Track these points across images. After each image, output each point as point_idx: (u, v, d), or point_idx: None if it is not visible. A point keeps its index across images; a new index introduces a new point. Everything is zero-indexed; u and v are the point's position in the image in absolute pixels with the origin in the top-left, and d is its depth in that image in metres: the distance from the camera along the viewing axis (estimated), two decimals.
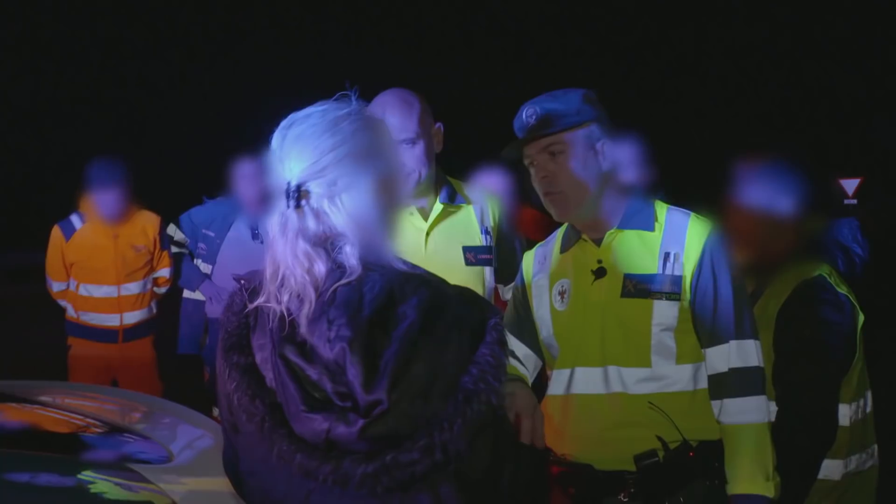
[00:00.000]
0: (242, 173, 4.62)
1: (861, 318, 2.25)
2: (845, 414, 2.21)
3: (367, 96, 2.47)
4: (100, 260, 4.69)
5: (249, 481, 1.45)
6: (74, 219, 4.74)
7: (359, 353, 1.29)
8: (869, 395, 2.32)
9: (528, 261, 2.29)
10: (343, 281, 1.35)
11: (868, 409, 2.31)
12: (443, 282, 1.41)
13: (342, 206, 1.39)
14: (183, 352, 4.89)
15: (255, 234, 4.65)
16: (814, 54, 15.71)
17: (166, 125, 15.74)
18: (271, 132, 1.47)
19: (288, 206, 1.39)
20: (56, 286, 4.86)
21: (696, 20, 16.15)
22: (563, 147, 2.01)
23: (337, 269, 1.37)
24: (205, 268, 4.70)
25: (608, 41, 16.09)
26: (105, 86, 15.94)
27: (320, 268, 1.37)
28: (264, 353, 1.39)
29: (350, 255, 1.37)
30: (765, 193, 2.31)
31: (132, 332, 4.77)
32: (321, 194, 1.39)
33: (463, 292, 1.41)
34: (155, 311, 4.91)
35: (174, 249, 4.76)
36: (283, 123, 1.45)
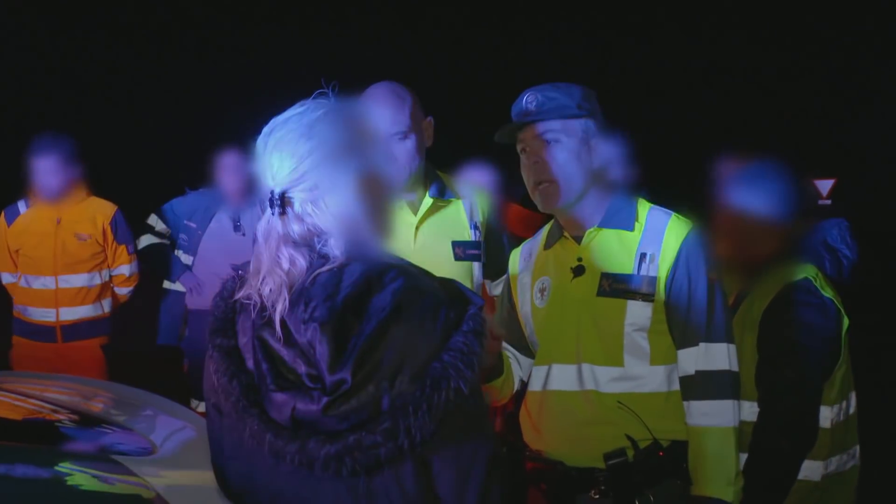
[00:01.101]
0: (225, 164, 4.59)
1: (846, 322, 2.25)
2: (826, 416, 2.22)
3: (354, 90, 2.47)
4: (39, 247, 4.29)
5: (231, 466, 1.48)
6: (21, 204, 4.39)
7: (329, 335, 1.32)
8: (853, 396, 2.33)
9: (514, 258, 2.31)
10: (325, 268, 1.38)
11: (851, 411, 2.32)
12: (426, 273, 1.43)
13: (326, 208, 1.41)
14: (162, 343, 4.85)
15: (237, 226, 4.64)
16: (785, 54, 15.87)
17: (149, 115, 15.62)
18: (255, 124, 1.49)
19: (273, 213, 1.42)
20: (6, 277, 4.44)
21: (673, 22, 16.30)
22: (559, 136, 2.02)
23: (321, 259, 1.40)
24: (186, 259, 4.67)
25: (595, 40, 16.17)
26: (86, 75, 15.79)
27: (301, 265, 1.40)
28: (246, 338, 1.43)
29: (334, 247, 1.40)
30: (749, 195, 2.32)
31: (73, 331, 4.34)
32: (304, 199, 1.41)
33: (446, 284, 1.43)
34: (106, 310, 4.47)
35: (155, 240, 4.69)
36: (265, 129, 1.46)
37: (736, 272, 2.34)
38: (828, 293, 2.24)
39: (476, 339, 1.36)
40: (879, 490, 2.78)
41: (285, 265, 1.40)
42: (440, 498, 1.36)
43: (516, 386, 2.25)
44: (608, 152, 2.07)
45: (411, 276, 1.39)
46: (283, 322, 1.38)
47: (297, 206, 1.41)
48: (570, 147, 2.02)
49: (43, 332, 4.33)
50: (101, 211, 4.43)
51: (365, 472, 1.32)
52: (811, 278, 2.23)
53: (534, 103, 2.03)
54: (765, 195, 2.31)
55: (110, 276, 4.50)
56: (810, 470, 2.21)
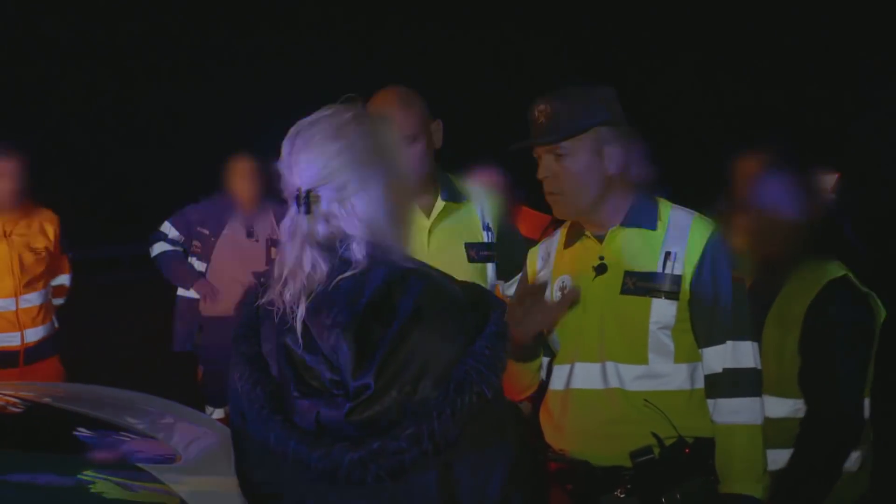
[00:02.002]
0: (238, 171, 4.60)
1: (884, 314, 2.29)
2: (866, 407, 2.27)
3: (363, 95, 2.47)
4: None
5: (255, 474, 1.48)
6: None
7: (351, 339, 1.32)
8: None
9: (532, 257, 2.31)
10: (347, 273, 1.39)
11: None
12: (447, 277, 1.43)
13: (352, 209, 1.42)
14: (177, 350, 4.87)
15: (250, 233, 4.65)
16: (784, 49, 15.82)
17: (162, 122, 15.68)
18: (268, 131, 1.50)
19: (299, 212, 1.42)
20: None
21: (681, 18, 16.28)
22: (568, 151, 2.02)
23: (342, 263, 1.40)
24: (199, 266, 4.68)
25: (602, 39, 16.15)
26: (99, 81, 15.85)
27: (322, 269, 1.40)
28: (270, 344, 1.44)
29: (356, 252, 1.41)
30: (773, 192, 2.34)
31: (35, 353, 3.98)
32: (331, 198, 1.42)
33: (468, 287, 1.44)
34: (57, 324, 4.18)
35: (168, 247, 4.71)
36: (292, 131, 1.47)
37: (761, 270, 2.37)
38: (864, 288, 2.27)
39: (500, 342, 1.36)
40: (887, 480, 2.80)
41: (307, 267, 1.40)
42: (462, 502, 1.36)
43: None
44: (625, 156, 2.06)
45: (433, 281, 1.40)
46: (305, 327, 1.38)
47: (323, 206, 1.42)
48: (581, 160, 2.01)
49: (3, 359, 3.93)
50: (49, 220, 4.10)
51: (389, 478, 1.31)
52: (849, 274, 2.26)
53: (543, 115, 2.03)
54: (788, 192, 2.33)
55: (52, 288, 4.21)
56: (850, 461, 2.25)
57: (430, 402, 1.31)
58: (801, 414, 2.25)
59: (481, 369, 1.33)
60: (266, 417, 1.38)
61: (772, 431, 2.22)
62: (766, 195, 2.34)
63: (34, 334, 4.00)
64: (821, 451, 2.17)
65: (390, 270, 1.39)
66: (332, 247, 1.42)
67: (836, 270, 2.26)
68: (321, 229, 1.42)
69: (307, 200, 1.42)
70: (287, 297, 1.41)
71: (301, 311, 1.39)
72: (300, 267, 1.41)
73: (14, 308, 3.93)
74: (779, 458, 2.24)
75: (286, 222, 1.46)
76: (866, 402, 2.27)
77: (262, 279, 1.51)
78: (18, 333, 3.95)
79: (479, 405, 1.32)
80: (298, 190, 1.43)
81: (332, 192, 1.42)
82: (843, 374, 2.19)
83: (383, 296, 1.36)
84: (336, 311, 1.36)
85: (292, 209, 1.44)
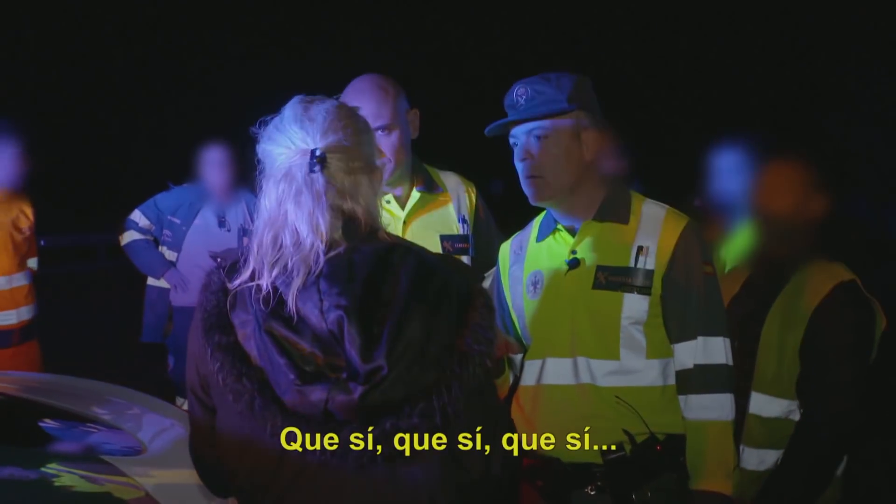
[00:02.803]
0: (210, 159, 4.56)
1: (883, 322, 2.27)
2: None
3: (335, 85, 2.43)
4: None
5: (232, 463, 1.44)
6: None
7: (356, 322, 1.31)
8: None
9: (504, 251, 2.29)
10: (332, 253, 1.37)
11: None
12: (425, 250, 1.45)
13: (355, 184, 1.42)
14: (146, 340, 4.81)
15: (222, 222, 4.61)
16: (757, 46, 15.96)
17: (133, 110, 15.54)
18: (240, 119, 1.47)
19: (312, 171, 1.38)
20: None
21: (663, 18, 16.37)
22: (549, 132, 2.00)
23: (337, 238, 1.39)
24: (170, 255, 4.63)
25: (580, 31, 16.18)
26: (69, 70, 15.67)
27: (320, 242, 1.37)
28: (246, 330, 1.39)
29: (361, 226, 1.41)
30: (780, 191, 2.32)
31: (26, 332, 4.09)
32: (339, 168, 1.41)
33: (446, 259, 1.46)
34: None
35: (138, 236, 4.65)
36: (299, 98, 1.46)
37: (763, 267, 2.37)
38: (868, 294, 2.25)
39: (490, 313, 1.39)
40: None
41: (321, 228, 1.37)
42: (467, 470, 1.40)
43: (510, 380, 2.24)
44: (601, 144, 2.05)
45: (417, 254, 1.41)
46: (295, 310, 1.35)
47: (330, 172, 1.40)
48: (559, 143, 2.00)
49: (1, 337, 4.01)
50: (25, 202, 4.15)
51: (400, 457, 1.32)
52: (856, 279, 2.24)
53: (523, 97, 2.01)
54: (794, 191, 2.31)
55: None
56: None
57: (440, 377, 1.32)
58: (793, 416, 2.24)
59: (480, 340, 1.36)
60: (260, 408, 1.34)
61: (762, 431, 2.24)
62: (772, 193, 2.32)
63: (27, 313, 4.08)
64: (814, 456, 2.17)
65: (374, 246, 1.39)
66: (339, 213, 1.40)
67: (845, 273, 2.24)
68: (326, 193, 1.39)
69: (323, 159, 1.39)
70: (273, 271, 1.36)
71: (295, 285, 1.34)
72: (310, 226, 1.36)
73: (9, 287, 4.01)
74: (767, 458, 2.24)
75: (282, 183, 1.39)
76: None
77: (220, 259, 1.48)
78: (15, 311, 4.03)
79: (482, 376, 1.36)
80: (313, 151, 1.39)
81: (343, 163, 1.41)
82: (845, 380, 2.16)
83: (375, 273, 1.36)
84: (332, 294, 1.33)
85: (295, 168, 1.39)
